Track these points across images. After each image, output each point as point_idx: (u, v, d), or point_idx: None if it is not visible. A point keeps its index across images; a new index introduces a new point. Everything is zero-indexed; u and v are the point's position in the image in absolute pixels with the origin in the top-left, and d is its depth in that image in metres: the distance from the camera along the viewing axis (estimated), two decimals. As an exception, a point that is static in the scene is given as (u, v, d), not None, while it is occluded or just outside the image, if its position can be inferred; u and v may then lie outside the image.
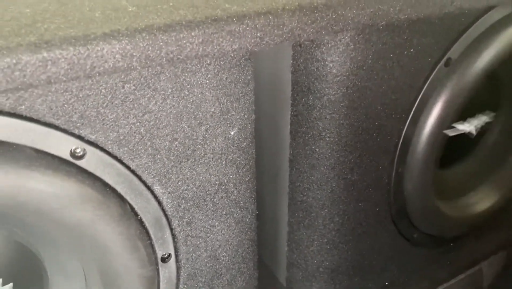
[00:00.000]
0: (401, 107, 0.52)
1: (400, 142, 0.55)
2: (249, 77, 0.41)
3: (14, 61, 0.26)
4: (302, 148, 0.53)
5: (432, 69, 0.52)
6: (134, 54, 0.29)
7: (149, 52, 0.30)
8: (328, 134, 0.51)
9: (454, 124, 0.57)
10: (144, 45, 0.29)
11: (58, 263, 0.41)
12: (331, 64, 0.46)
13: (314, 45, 0.46)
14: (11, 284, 0.40)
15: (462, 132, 0.58)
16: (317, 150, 0.52)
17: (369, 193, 0.56)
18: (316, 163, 0.53)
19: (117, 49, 0.29)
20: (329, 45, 0.45)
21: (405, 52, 0.48)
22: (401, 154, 0.56)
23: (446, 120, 0.55)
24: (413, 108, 0.53)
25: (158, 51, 0.30)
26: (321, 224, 0.57)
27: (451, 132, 0.57)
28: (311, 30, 0.36)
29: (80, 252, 0.39)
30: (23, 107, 0.31)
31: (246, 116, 0.42)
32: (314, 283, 0.63)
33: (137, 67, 0.30)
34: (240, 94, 0.40)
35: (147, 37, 0.29)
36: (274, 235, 0.64)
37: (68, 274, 0.42)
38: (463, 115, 0.58)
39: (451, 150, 0.62)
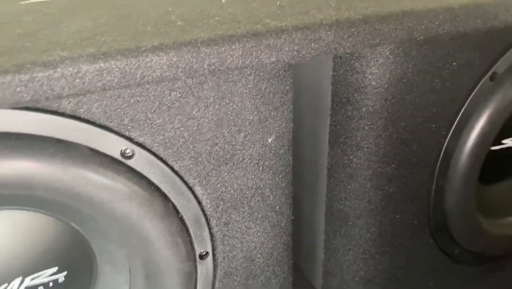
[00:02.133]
0: (442, 121, 0.52)
1: (441, 156, 0.54)
2: (287, 87, 0.43)
3: (76, 70, 0.30)
4: (340, 158, 0.54)
5: (476, 84, 0.51)
6: (179, 65, 0.32)
7: (193, 63, 0.33)
8: (366, 145, 0.51)
9: (503, 141, 0.56)
10: (189, 57, 0.32)
11: (107, 253, 0.45)
12: (370, 76, 0.47)
13: (354, 58, 0.47)
14: (65, 272, 0.44)
15: (508, 147, 0.57)
16: (355, 160, 0.53)
17: (407, 205, 0.56)
18: (353, 173, 0.54)
19: (164, 60, 0.32)
20: (369, 58, 0.46)
21: (447, 66, 0.48)
22: (442, 168, 0.55)
23: (490, 135, 0.54)
24: (455, 122, 0.53)
25: (201, 63, 0.33)
26: (357, 234, 0.58)
27: (497, 148, 0.56)
28: (348, 44, 0.38)
29: (127, 245, 0.42)
30: (81, 110, 0.34)
31: (284, 124, 0.44)
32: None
33: (182, 77, 0.33)
34: (279, 104, 0.43)
35: (192, 50, 0.32)
36: (311, 243, 0.65)
37: (115, 264, 0.45)
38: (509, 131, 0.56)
39: (497, 166, 0.61)
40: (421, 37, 0.41)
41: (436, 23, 0.41)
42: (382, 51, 0.45)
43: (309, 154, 0.59)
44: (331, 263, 0.63)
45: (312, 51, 0.36)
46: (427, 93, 0.49)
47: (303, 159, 0.61)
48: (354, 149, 0.52)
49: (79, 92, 0.30)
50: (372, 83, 0.48)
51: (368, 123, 0.50)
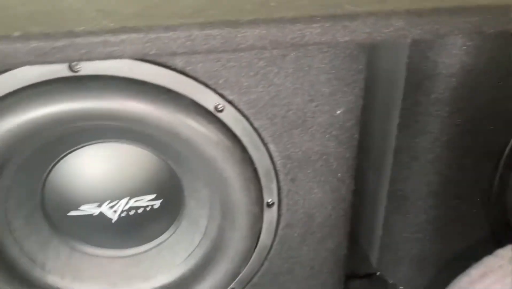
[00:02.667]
0: (510, 116, 0.54)
1: (508, 149, 0.56)
2: (361, 66, 0.48)
3: (188, 34, 0.39)
4: (406, 140, 0.59)
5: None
6: (267, 37, 0.40)
7: (278, 37, 0.40)
8: (431, 130, 0.55)
9: None
10: (275, 31, 0.40)
11: (193, 190, 0.55)
12: (441, 65, 0.51)
13: (428, 47, 0.51)
14: (161, 200, 0.55)
15: None
16: (420, 143, 0.57)
17: (467, 193, 0.59)
18: (417, 156, 0.58)
19: (256, 32, 0.40)
20: (441, 48, 0.50)
21: (520, 62, 0.50)
22: (507, 163, 0.57)
23: None
24: (525, 118, 0.54)
25: (284, 37, 0.40)
26: (415, 214, 0.62)
27: None
28: (417, 31, 0.42)
29: (209, 183, 0.52)
30: (189, 68, 0.44)
31: (353, 100, 0.50)
32: (402, 268, 0.67)
33: (269, 48, 0.41)
34: (350, 80, 0.48)
35: (278, 25, 0.40)
36: (371, 216, 0.70)
37: (199, 200, 0.55)
38: None
39: None
40: (492, 30, 0.44)
41: (508, 18, 0.44)
42: (455, 42, 0.48)
43: (378, 133, 0.64)
44: (388, 239, 0.68)
45: (382, 34, 0.42)
46: (496, 87, 0.51)
47: (372, 136, 0.66)
48: (420, 133, 0.57)
49: (189, 52, 0.40)
50: (443, 72, 0.51)
51: (436, 109, 0.54)
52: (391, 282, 0.69)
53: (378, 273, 0.71)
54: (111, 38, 0.38)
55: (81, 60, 0.38)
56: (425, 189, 0.59)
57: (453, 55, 0.50)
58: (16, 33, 0.37)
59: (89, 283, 0.57)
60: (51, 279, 0.55)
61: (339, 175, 0.54)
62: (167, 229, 0.58)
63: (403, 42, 0.54)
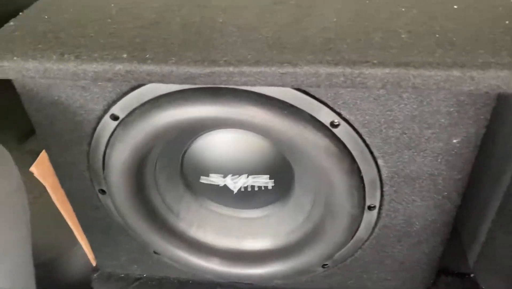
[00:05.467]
0: None
1: None
2: (488, 101, 0.47)
3: (314, 72, 0.42)
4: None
5: None
6: (389, 80, 0.42)
7: (400, 80, 0.41)
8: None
9: None
10: (397, 76, 0.41)
11: (302, 178, 0.61)
12: None
13: None
14: (273, 181, 0.63)
15: None
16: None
17: None
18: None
19: (379, 74, 0.42)
20: None
21: None
22: None
23: None
24: None
25: (406, 82, 0.41)
26: (523, 237, 0.61)
27: None
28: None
29: (318, 182, 0.58)
30: (312, 89, 0.48)
31: (473, 131, 0.49)
32: (498, 279, 0.68)
33: (390, 88, 0.43)
34: (473, 113, 0.48)
35: (402, 72, 0.41)
36: (477, 223, 0.70)
37: (306, 190, 0.62)
38: None
39: None
40: None
41: None
42: None
43: (496, 156, 0.62)
44: (489, 249, 0.68)
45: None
46: None
47: (491, 157, 0.63)
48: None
49: (313, 86, 0.43)
50: None
51: None
52: (483, 287, 0.71)
53: (472, 275, 0.73)
54: (247, 70, 0.43)
55: (221, 84, 0.45)
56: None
57: None
58: (172, 60, 0.44)
59: (210, 233, 0.69)
60: (182, 225, 0.68)
61: (445, 193, 0.56)
62: (276, 203, 0.67)
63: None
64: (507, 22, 0.46)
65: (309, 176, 0.60)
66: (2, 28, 0.53)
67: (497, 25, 0.45)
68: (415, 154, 0.52)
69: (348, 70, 0.42)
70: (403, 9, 0.50)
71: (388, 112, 0.49)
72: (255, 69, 0.43)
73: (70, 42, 0.48)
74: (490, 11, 0.48)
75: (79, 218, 0.70)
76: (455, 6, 0.50)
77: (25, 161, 0.65)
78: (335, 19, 0.49)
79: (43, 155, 0.64)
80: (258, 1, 0.54)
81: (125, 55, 0.45)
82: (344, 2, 0.53)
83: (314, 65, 0.42)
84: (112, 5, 0.56)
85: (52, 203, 0.69)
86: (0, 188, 0.50)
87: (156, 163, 0.62)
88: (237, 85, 0.45)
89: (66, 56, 0.46)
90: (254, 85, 0.44)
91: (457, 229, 0.78)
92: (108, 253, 0.74)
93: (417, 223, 0.59)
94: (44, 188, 0.67)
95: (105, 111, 0.54)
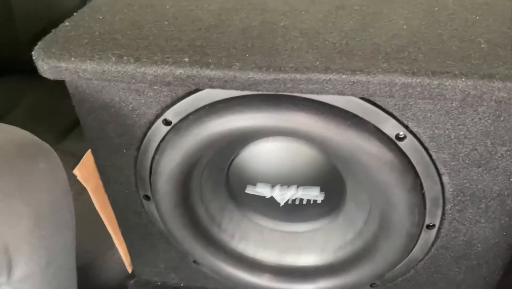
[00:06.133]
0: None
1: None
2: None
3: (389, 81, 0.40)
4: None
5: None
6: (470, 92, 0.39)
7: (483, 93, 0.39)
8: None
9: None
10: (480, 88, 0.38)
11: (355, 193, 0.59)
12: None
13: None
14: (323, 195, 0.60)
15: None
16: None
17: None
18: None
19: (459, 86, 0.39)
20: None
21: None
22: None
23: None
24: None
25: (489, 94, 0.38)
26: None
27: None
28: None
29: (374, 196, 0.55)
30: (379, 99, 0.45)
31: (552, 149, 0.46)
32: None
33: (469, 100, 0.40)
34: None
35: (485, 84, 0.38)
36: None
37: (359, 204, 0.59)
38: None
39: None
40: None
41: None
42: None
43: None
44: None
45: None
46: None
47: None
48: None
49: (385, 96, 0.41)
50: None
51: None
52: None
53: (529, 302, 0.68)
54: (315, 77, 0.41)
55: (285, 91, 0.43)
56: None
57: None
58: (236, 65, 0.42)
59: (252, 246, 0.67)
60: (224, 236, 0.66)
61: (513, 214, 0.52)
62: (324, 218, 0.64)
63: None
64: None
65: (364, 191, 0.57)
66: (57, 28, 0.52)
67: None
68: (485, 172, 0.48)
69: (426, 80, 0.39)
70: (477, 18, 0.47)
71: (460, 127, 0.45)
72: (324, 76, 0.41)
73: (128, 44, 0.47)
74: None
75: (120, 223, 0.69)
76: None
77: (63, 160, 0.64)
78: (405, 26, 0.46)
79: (87, 157, 0.63)
80: (320, 6, 0.52)
81: (186, 59, 0.43)
82: (411, 9, 0.50)
83: (389, 74, 0.40)
84: (168, 6, 0.54)
85: (89, 205, 0.68)
86: (49, 193, 0.49)
87: (203, 172, 0.60)
88: (302, 93, 0.43)
89: (125, 58, 0.44)
90: (320, 93, 0.42)
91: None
92: (146, 260, 0.73)
93: (478, 245, 0.56)
94: (81, 190, 0.66)
95: (158, 116, 0.52)
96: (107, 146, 0.57)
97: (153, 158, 0.56)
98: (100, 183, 0.65)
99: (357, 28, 0.47)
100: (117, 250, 0.77)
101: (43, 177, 0.48)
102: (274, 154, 0.59)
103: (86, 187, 0.66)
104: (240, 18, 0.51)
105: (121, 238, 0.73)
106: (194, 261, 0.69)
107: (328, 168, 0.58)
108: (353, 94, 0.42)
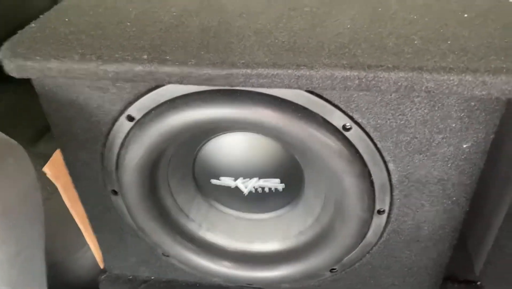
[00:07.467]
0: None
1: None
2: (497, 107, 0.48)
3: (330, 74, 0.44)
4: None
5: None
6: (403, 84, 0.43)
7: (413, 84, 0.43)
8: None
9: None
10: (411, 79, 0.42)
11: (313, 181, 0.62)
12: None
13: None
14: (284, 184, 0.64)
15: None
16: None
17: None
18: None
19: (392, 78, 0.43)
20: None
21: None
22: None
23: None
24: None
25: (420, 86, 0.43)
26: (530, 243, 0.61)
27: None
28: None
29: (328, 184, 0.58)
30: (325, 92, 0.49)
31: (483, 136, 0.50)
32: (505, 287, 0.68)
33: (403, 93, 0.44)
34: (483, 119, 0.49)
35: (415, 76, 0.42)
36: (483, 230, 0.71)
37: (317, 192, 0.63)
38: None
39: None
40: None
41: None
42: None
43: (503, 163, 0.63)
44: (495, 256, 0.69)
45: (524, 93, 0.41)
46: None
47: (501, 163, 0.64)
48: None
49: (328, 88, 0.45)
50: None
51: None
52: (489, 295, 0.71)
53: (478, 283, 0.73)
54: (264, 72, 0.45)
55: (238, 86, 0.46)
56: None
57: None
58: (192, 61, 0.46)
59: (219, 234, 0.70)
60: (192, 227, 0.69)
61: (454, 198, 0.56)
62: (285, 206, 0.68)
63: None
64: (517, 30, 0.47)
65: (320, 179, 0.60)
66: (24, 29, 0.54)
67: (508, 33, 0.47)
68: (426, 158, 0.53)
69: (363, 73, 0.43)
70: (415, 17, 0.52)
71: (400, 117, 0.50)
72: (272, 71, 0.44)
73: (91, 43, 0.50)
74: (500, 20, 0.50)
75: (90, 219, 0.71)
76: (466, 15, 0.51)
77: (36, 162, 0.66)
78: (349, 26, 0.50)
79: (56, 156, 0.65)
80: (274, 7, 0.56)
81: (145, 56, 0.46)
82: (357, 10, 0.54)
83: (330, 68, 0.44)
84: (131, 9, 0.57)
85: (60, 205, 0.70)
86: (17, 186, 0.51)
87: (168, 165, 0.63)
88: (254, 87, 0.46)
89: (87, 56, 0.47)
90: (270, 87, 0.46)
91: (464, 235, 0.79)
92: (117, 254, 0.75)
93: (425, 228, 0.60)
94: (53, 190, 0.68)
95: (121, 112, 0.55)
96: (74, 142, 0.60)
97: (119, 153, 0.58)
98: (69, 180, 0.67)
99: (305, 28, 0.51)
100: (89, 247, 0.79)
101: (11, 171, 0.50)
102: (236, 147, 0.62)
103: (56, 185, 0.68)
104: (199, 19, 0.54)
105: (92, 234, 0.75)
106: (164, 254, 0.72)
107: (287, 159, 0.61)
108: (299, 88, 0.45)
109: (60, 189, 0.68)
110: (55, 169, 0.66)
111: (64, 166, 0.65)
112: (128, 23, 0.54)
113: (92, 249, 0.79)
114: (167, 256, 0.72)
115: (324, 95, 0.50)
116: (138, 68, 0.46)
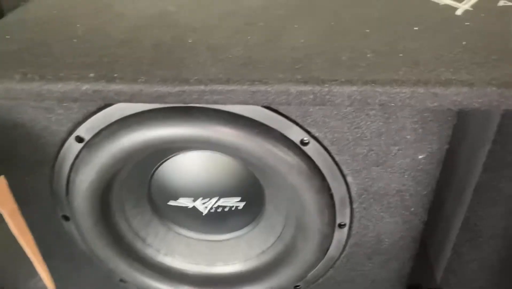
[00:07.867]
0: None
1: None
2: (450, 118, 0.49)
3: (285, 89, 0.43)
4: (489, 185, 0.58)
5: None
6: (357, 98, 0.43)
7: (367, 98, 0.43)
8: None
9: None
10: (365, 93, 0.42)
11: (273, 198, 0.61)
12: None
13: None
14: (244, 202, 0.63)
15: None
16: (503, 189, 0.57)
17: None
18: (497, 199, 0.58)
19: (346, 92, 0.43)
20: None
21: None
22: None
23: None
24: None
25: (373, 99, 0.43)
26: (486, 250, 0.63)
27: None
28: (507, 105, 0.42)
29: (289, 200, 0.58)
30: (282, 107, 0.48)
31: (437, 147, 0.51)
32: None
33: (357, 105, 0.44)
34: (437, 130, 0.50)
35: (369, 89, 0.42)
36: (443, 238, 0.72)
37: (278, 209, 0.62)
38: None
39: None
40: None
41: None
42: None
43: (461, 175, 0.64)
44: (455, 263, 0.70)
45: (473, 104, 0.42)
46: None
47: (456, 174, 0.66)
48: (505, 179, 0.56)
49: (284, 103, 0.44)
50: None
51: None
52: (451, 303, 0.72)
53: (439, 291, 0.74)
54: (218, 88, 0.43)
55: (192, 103, 0.45)
56: (501, 230, 0.60)
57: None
58: (142, 79, 0.44)
59: (178, 258, 0.67)
60: (149, 251, 0.66)
61: (412, 209, 0.57)
62: (247, 225, 0.66)
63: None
64: (464, 43, 0.48)
65: (280, 196, 0.60)
66: (-40, 48, 0.50)
67: (456, 46, 0.48)
68: (383, 170, 0.53)
69: (317, 88, 0.43)
70: (368, 31, 0.52)
71: (356, 130, 0.50)
72: (226, 87, 0.43)
73: (34, 62, 0.47)
74: (448, 32, 0.51)
75: (40, 247, 0.66)
76: (416, 28, 0.52)
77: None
78: (303, 40, 0.50)
79: (1, 181, 0.61)
80: (228, 22, 0.55)
81: (92, 75, 0.44)
82: (312, 24, 0.54)
83: (284, 84, 0.43)
84: (79, 25, 0.55)
85: (7, 234, 0.66)
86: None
87: (122, 187, 0.60)
88: (208, 103, 0.45)
89: (29, 76, 0.44)
90: (225, 103, 0.44)
91: (425, 244, 0.80)
92: (71, 283, 0.71)
93: (386, 240, 0.60)
94: (1, 217, 0.64)
95: (70, 133, 0.52)
96: (20, 167, 0.56)
97: (69, 176, 0.55)
98: (16, 207, 0.63)
99: (260, 43, 0.50)
100: (40, 277, 0.74)
101: None
102: (194, 167, 0.60)
103: (1, 212, 0.63)
104: (151, 35, 0.53)
105: (43, 263, 0.70)
106: (121, 280, 0.68)
107: (247, 177, 0.60)
108: (255, 103, 0.44)
109: (6, 216, 0.64)
110: (0, 196, 0.62)
111: (9, 192, 0.61)
112: (75, 40, 0.51)
113: (44, 279, 0.74)
114: (125, 282, 0.68)
115: (281, 110, 0.49)
116: (85, 87, 0.43)
